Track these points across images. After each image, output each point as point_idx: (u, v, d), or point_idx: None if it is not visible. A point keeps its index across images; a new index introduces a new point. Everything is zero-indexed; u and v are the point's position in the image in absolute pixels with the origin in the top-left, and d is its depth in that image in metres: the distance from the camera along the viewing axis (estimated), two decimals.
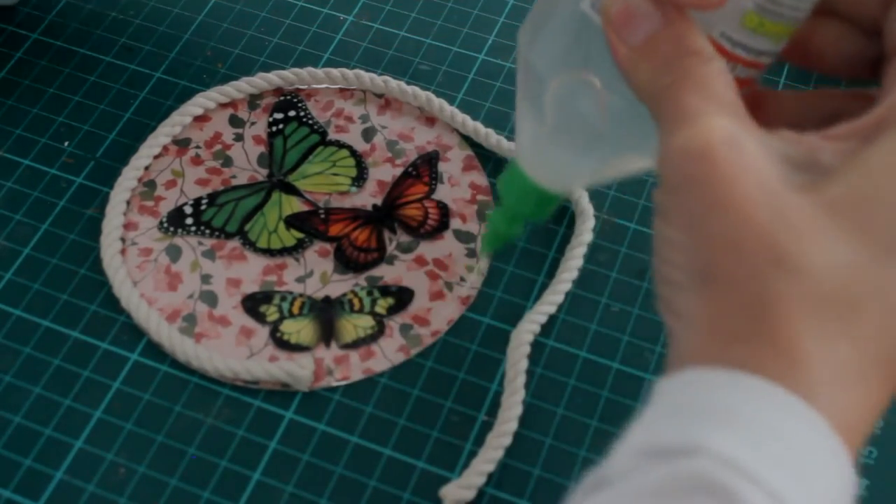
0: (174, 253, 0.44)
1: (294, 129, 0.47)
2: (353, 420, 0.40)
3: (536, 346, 0.42)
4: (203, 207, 0.45)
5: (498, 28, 0.51)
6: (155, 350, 0.42)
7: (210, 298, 0.43)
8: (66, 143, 0.47)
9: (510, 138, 0.47)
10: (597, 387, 0.41)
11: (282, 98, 0.48)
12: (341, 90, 0.49)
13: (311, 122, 0.48)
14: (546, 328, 0.42)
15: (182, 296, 0.43)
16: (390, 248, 0.44)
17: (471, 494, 0.38)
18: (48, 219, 0.45)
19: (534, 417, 0.41)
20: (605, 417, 0.41)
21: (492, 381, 0.41)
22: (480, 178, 0.46)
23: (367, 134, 0.47)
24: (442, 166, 0.46)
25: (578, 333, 0.43)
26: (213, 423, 0.40)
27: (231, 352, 0.41)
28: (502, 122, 0.48)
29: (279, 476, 0.39)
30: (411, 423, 0.40)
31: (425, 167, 0.46)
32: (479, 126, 0.47)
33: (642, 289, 0.44)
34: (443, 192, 0.46)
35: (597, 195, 0.46)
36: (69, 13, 0.52)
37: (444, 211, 0.45)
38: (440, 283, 0.43)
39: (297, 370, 0.40)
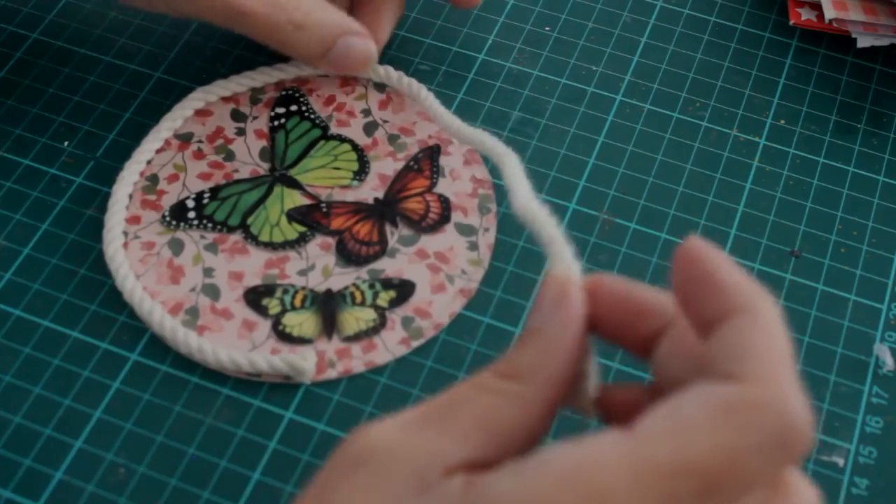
0: (176, 246, 0.44)
1: (296, 124, 0.47)
2: (354, 420, 0.40)
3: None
4: (205, 201, 0.45)
5: (498, 28, 0.51)
6: (155, 349, 0.42)
7: (212, 291, 0.43)
8: (66, 143, 0.47)
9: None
10: None
11: (283, 92, 0.48)
12: (342, 85, 0.49)
13: (312, 116, 0.48)
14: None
15: (184, 289, 0.43)
16: (392, 242, 0.44)
17: None
18: (48, 219, 0.45)
19: None
20: None
21: None
22: (482, 172, 0.46)
23: (369, 128, 0.47)
24: (443, 160, 0.46)
25: None
26: (213, 423, 0.40)
27: (233, 344, 0.41)
28: (502, 122, 0.48)
29: (279, 476, 0.39)
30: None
31: (427, 161, 0.46)
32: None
33: None
34: (444, 186, 0.46)
35: (597, 195, 0.46)
36: (69, 13, 0.52)
37: (445, 204, 0.45)
38: (442, 276, 0.43)
39: (300, 362, 0.40)
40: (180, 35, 0.51)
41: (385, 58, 0.50)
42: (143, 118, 0.48)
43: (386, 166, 0.46)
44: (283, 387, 0.41)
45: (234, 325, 0.42)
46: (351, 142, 0.47)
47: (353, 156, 0.47)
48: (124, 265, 0.43)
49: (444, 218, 0.45)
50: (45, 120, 0.48)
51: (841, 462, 0.40)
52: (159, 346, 0.42)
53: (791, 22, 0.51)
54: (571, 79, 0.50)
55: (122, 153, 0.47)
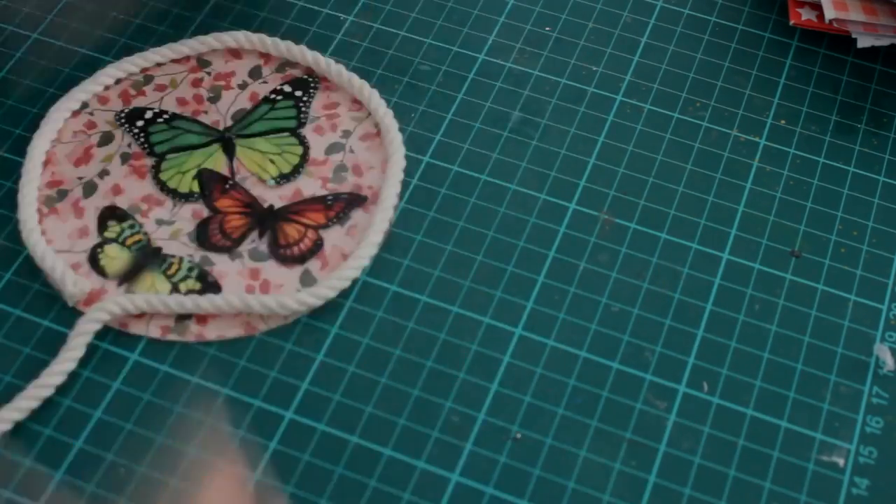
0: (105, 139, 0.46)
1: (285, 106, 0.48)
2: (354, 420, 0.40)
3: (536, 345, 0.42)
4: (159, 121, 0.47)
5: (498, 28, 0.52)
6: (155, 350, 0.42)
7: (89, 189, 0.45)
8: None
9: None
10: (597, 387, 0.41)
11: (304, 77, 0.49)
12: (354, 101, 0.48)
13: (303, 109, 0.48)
14: (546, 327, 0.42)
15: (79, 173, 0.45)
16: (244, 246, 0.44)
17: None
18: None
19: (534, 417, 0.41)
20: (605, 417, 0.41)
21: (492, 380, 0.41)
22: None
23: (332, 147, 0.47)
24: (359, 214, 0.45)
25: (578, 333, 0.43)
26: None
27: (61, 239, 0.44)
28: (502, 123, 0.48)
29: (279, 476, 0.39)
30: (411, 423, 0.40)
31: (341, 205, 0.45)
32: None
33: (642, 289, 0.44)
34: (334, 236, 0.44)
35: (597, 195, 0.46)
36: (69, 13, 0.52)
37: (317, 247, 0.44)
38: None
39: (70, 283, 0.42)
40: (180, 35, 0.51)
41: (385, 58, 0.50)
42: None
43: (311, 186, 0.46)
44: (282, 387, 0.41)
45: (75, 224, 0.44)
46: (306, 148, 0.47)
47: (294, 161, 0.46)
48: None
49: (302, 258, 0.44)
50: None
51: (841, 462, 0.40)
52: (159, 346, 0.42)
53: (791, 22, 0.51)
54: (571, 79, 0.50)
55: None
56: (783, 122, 0.49)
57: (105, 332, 0.42)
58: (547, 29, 0.52)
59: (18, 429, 0.40)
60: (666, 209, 0.46)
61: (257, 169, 0.46)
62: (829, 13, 0.49)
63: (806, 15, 0.51)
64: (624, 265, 0.44)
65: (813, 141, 0.48)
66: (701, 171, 0.47)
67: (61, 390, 0.41)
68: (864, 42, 0.49)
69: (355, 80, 0.48)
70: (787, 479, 0.40)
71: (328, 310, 0.43)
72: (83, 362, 0.41)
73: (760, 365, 0.42)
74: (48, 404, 0.40)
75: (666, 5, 0.53)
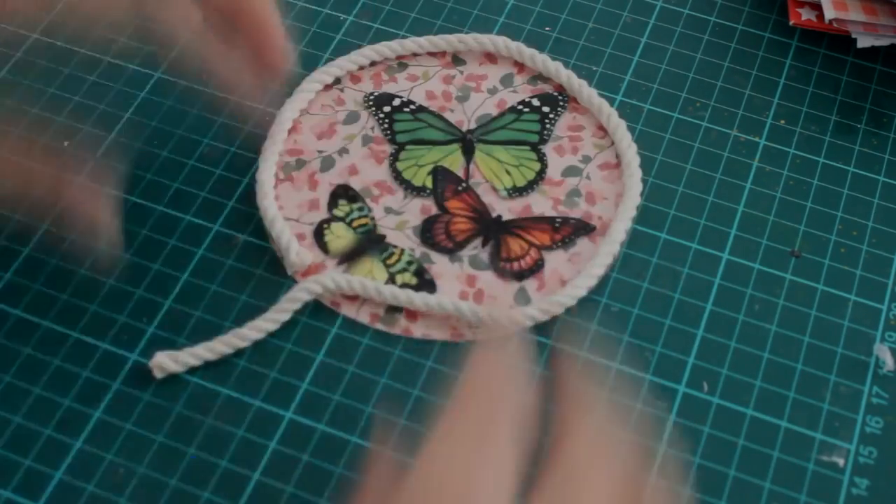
0: (351, 117, 0.47)
1: (530, 120, 0.48)
2: (353, 420, 0.40)
3: (537, 345, 0.42)
4: (405, 110, 0.47)
5: (498, 28, 0.51)
6: (156, 349, 0.42)
7: (328, 163, 0.45)
8: (66, 143, 0.47)
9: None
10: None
11: (554, 94, 0.48)
12: (599, 127, 0.47)
13: (548, 126, 0.47)
14: (546, 327, 0.42)
15: (321, 145, 0.47)
16: (465, 251, 0.44)
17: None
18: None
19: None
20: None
21: None
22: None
23: (570, 171, 0.46)
24: (584, 243, 0.44)
25: (579, 333, 0.43)
26: (213, 423, 0.40)
27: (291, 205, 0.45)
28: None
29: (279, 476, 0.39)
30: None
31: (569, 229, 0.45)
32: None
33: (642, 289, 0.44)
34: (555, 259, 0.44)
35: None
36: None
37: (536, 268, 0.44)
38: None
39: (294, 254, 0.42)
40: None
41: None
42: (144, 118, 0.48)
43: (542, 204, 0.45)
44: (283, 387, 0.41)
45: (307, 195, 0.45)
46: (544, 166, 0.46)
47: (530, 176, 0.46)
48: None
49: (522, 276, 0.43)
50: (45, 120, 0.48)
51: (841, 462, 0.40)
52: (160, 346, 0.42)
53: (791, 22, 0.51)
54: None
55: (123, 153, 0.47)
56: (783, 122, 0.49)
57: (105, 333, 0.42)
58: (547, 29, 0.52)
59: (19, 427, 0.40)
60: (666, 209, 0.46)
61: (492, 177, 0.46)
62: (829, 13, 0.49)
63: (806, 15, 0.51)
64: (624, 265, 0.44)
65: (813, 141, 0.48)
66: (701, 171, 0.47)
67: (60, 390, 0.41)
68: (864, 42, 0.49)
69: (605, 106, 0.47)
70: (787, 479, 0.39)
71: (327, 310, 0.43)
72: (84, 364, 0.41)
73: (760, 365, 0.42)
74: (48, 404, 0.40)
75: (666, 5, 0.53)
